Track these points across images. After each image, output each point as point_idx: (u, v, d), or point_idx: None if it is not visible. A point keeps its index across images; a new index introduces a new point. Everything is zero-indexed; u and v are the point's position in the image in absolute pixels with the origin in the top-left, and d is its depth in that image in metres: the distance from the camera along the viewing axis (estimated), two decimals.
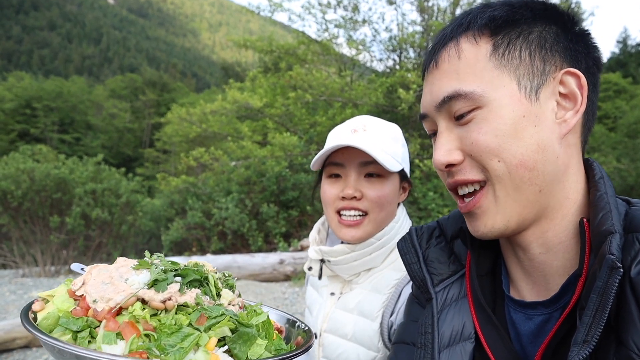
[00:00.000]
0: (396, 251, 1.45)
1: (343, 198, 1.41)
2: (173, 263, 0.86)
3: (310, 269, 1.57)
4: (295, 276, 9.19)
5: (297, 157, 12.90)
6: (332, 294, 1.53)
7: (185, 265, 0.86)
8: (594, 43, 0.86)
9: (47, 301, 0.82)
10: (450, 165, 0.85)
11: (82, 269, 0.93)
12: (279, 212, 12.48)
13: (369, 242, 1.42)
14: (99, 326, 0.73)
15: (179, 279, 0.81)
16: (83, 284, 0.81)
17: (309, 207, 12.34)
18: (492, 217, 0.83)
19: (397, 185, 1.46)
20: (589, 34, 0.86)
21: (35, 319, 0.77)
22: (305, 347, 0.81)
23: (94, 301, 0.76)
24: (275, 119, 14.97)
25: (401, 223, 1.48)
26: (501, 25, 0.82)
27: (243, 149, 14.34)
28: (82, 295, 0.79)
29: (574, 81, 0.81)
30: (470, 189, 0.85)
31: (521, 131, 0.79)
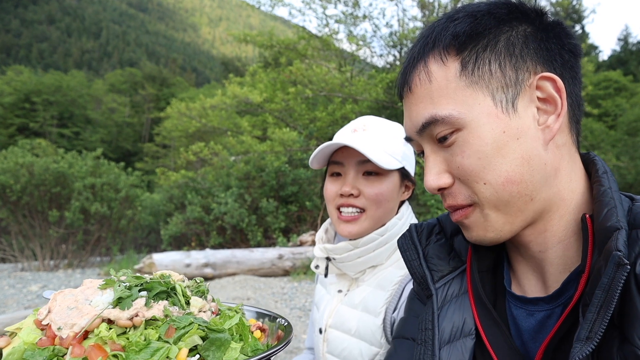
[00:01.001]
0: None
1: (342, 195, 1.46)
2: (137, 277, 0.84)
3: (317, 267, 1.61)
4: (294, 271, 9.21)
5: (297, 153, 12.90)
6: (340, 291, 1.57)
7: (150, 279, 0.85)
8: (568, 31, 0.83)
9: (15, 334, 0.78)
10: (442, 189, 0.85)
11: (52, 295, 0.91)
12: (278, 207, 12.48)
13: (371, 238, 1.44)
14: (66, 354, 0.71)
15: (144, 293, 0.79)
16: (49, 312, 0.78)
17: (308, 202, 12.34)
18: (482, 228, 0.83)
19: (397, 183, 1.48)
20: (561, 23, 0.83)
21: (0, 355, 0.74)
22: (284, 344, 0.80)
23: (59, 328, 0.73)
24: (275, 114, 14.95)
25: (405, 220, 1.50)
26: (466, 41, 0.79)
27: (242, 144, 14.33)
28: (49, 324, 0.76)
29: (551, 85, 0.79)
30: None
31: (503, 147, 0.77)
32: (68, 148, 23.00)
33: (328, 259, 1.56)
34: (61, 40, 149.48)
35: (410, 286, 1.39)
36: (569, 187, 0.82)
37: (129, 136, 53.13)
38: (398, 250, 1.46)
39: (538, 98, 0.79)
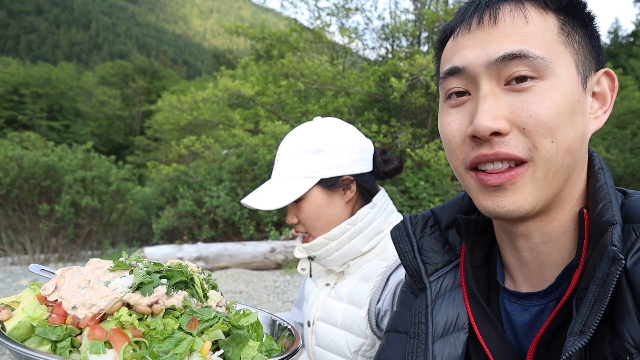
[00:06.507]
0: (384, 241, 1.50)
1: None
2: (156, 264, 0.81)
3: (304, 269, 1.65)
4: (287, 264, 9.22)
5: None
6: (327, 284, 1.61)
7: (168, 267, 0.82)
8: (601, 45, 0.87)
9: (12, 308, 0.75)
10: (493, 134, 0.76)
11: (41, 269, 0.88)
12: None
13: (343, 229, 1.48)
14: (79, 334, 0.69)
15: (164, 281, 0.77)
16: (56, 288, 0.74)
17: None
18: (523, 196, 0.77)
19: (323, 196, 1.50)
20: (599, 36, 0.86)
21: (3, 329, 0.71)
22: (294, 349, 0.79)
23: (74, 307, 0.70)
24: (267, 107, 14.87)
25: (379, 208, 1.52)
26: (566, 7, 0.80)
27: (234, 137, 14.23)
28: (57, 301, 0.73)
29: (608, 82, 0.82)
30: (505, 165, 0.77)
31: (575, 115, 0.76)
32: (58, 141, 22.76)
33: (311, 259, 1.59)
34: (50, 31, 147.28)
35: (394, 276, 1.42)
36: (582, 179, 0.83)
37: (120, 129, 52.67)
38: (382, 243, 1.50)
39: (593, 91, 0.82)
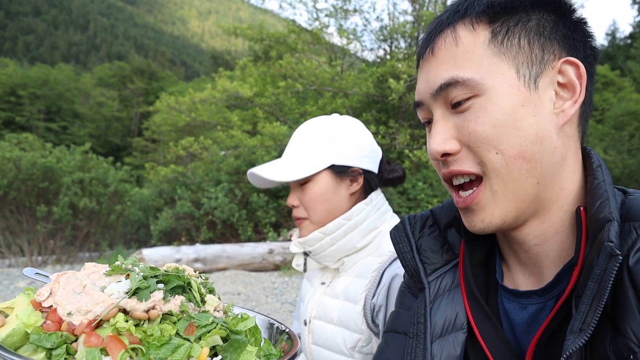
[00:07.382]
0: (379, 238, 1.52)
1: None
2: (153, 268, 0.79)
3: (299, 265, 1.67)
4: (285, 266, 9.21)
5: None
6: (323, 283, 1.63)
7: (165, 271, 0.80)
8: (591, 32, 0.84)
9: (6, 314, 0.73)
10: (445, 155, 0.82)
11: (36, 273, 0.86)
12: (269, 201, 12.46)
13: (338, 224, 1.50)
14: (75, 341, 0.67)
15: (161, 285, 0.75)
16: (50, 294, 0.72)
17: None
18: (489, 213, 0.81)
19: (331, 181, 1.53)
20: (586, 22, 0.84)
21: None
22: (293, 354, 0.78)
23: (69, 314, 0.69)
24: (265, 108, 14.88)
25: (374, 205, 1.55)
26: (499, 12, 0.80)
27: (233, 139, 14.24)
28: (52, 307, 0.71)
29: (573, 70, 0.80)
30: (466, 178, 0.83)
31: (519, 121, 0.77)
32: (56, 142, 22.70)
33: (306, 254, 1.62)
34: (47, 32, 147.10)
35: (388, 271, 1.44)
36: (571, 178, 0.83)
37: (118, 131, 52.67)
38: (377, 240, 1.52)
39: (558, 82, 0.81)
